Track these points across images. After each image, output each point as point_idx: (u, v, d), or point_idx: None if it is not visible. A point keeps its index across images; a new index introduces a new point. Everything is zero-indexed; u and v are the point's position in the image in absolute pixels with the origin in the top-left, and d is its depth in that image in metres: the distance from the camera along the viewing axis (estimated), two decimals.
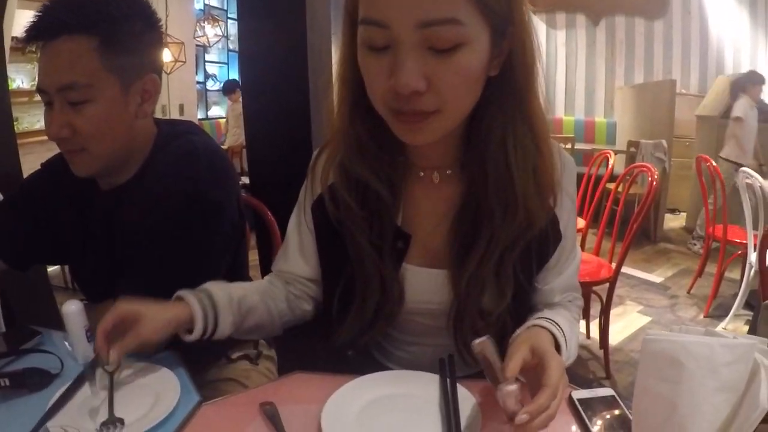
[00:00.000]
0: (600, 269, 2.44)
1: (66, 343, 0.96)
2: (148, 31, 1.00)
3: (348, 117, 0.81)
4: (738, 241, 3.06)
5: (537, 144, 0.79)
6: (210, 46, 7.29)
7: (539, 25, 6.16)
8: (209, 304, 0.84)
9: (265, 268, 1.61)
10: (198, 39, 6.83)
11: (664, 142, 4.37)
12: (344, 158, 0.84)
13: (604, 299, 2.43)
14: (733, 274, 3.41)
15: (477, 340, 0.70)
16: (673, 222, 5.35)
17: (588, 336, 2.83)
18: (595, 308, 2.63)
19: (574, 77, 6.40)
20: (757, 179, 2.72)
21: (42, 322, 1.05)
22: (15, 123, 2.94)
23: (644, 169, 2.47)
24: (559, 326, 0.81)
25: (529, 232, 0.80)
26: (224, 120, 7.27)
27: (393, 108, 0.70)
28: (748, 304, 2.96)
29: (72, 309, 0.91)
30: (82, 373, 0.86)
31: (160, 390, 0.82)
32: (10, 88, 2.38)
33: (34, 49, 0.94)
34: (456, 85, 0.69)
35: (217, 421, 0.79)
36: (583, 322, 2.81)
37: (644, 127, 5.04)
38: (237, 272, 1.19)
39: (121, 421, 0.74)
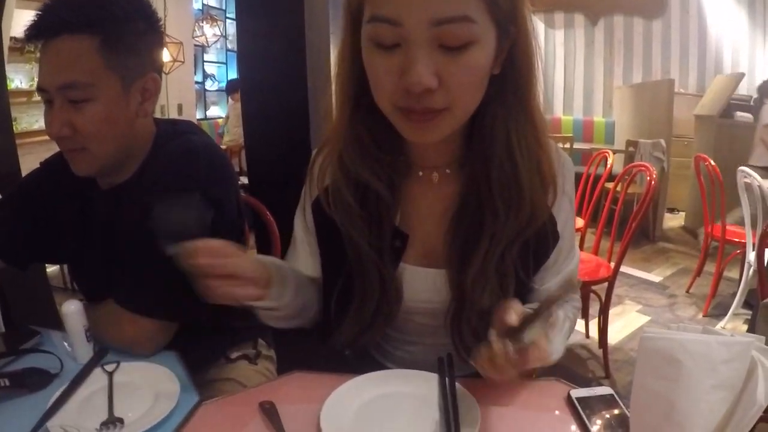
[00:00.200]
0: (599, 268, 2.44)
1: (65, 343, 0.96)
2: (149, 30, 1.00)
3: (348, 116, 0.81)
4: (737, 240, 3.06)
5: (538, 138, 0.79)
6: (208, 46, 7.29)
7: (537, 25, 6.15)
8: (275, 269, 0.84)
9: None
10: (197, 39, 6.83)
11: (662, 141, 4.37)
12: (344, 158, 0.83)
13: (603, 298, 2.43)
14: (732, 273, 3.42)
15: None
16: (672, 221, 5.35)
17: (587, 335, 2.84)
18: (594, 307, 2.63)
19: (573, 77, 6.40)
20: (756, 178, 2.72)
21: (41, 322, 1.05)
22: (14, 123, 2.94)
23: (643, 168, 2.48)
24: None
25: (529, 228, 0.80)
26: (222, 119, 7.27)
27: (402, 106, 0.70)
28: (747, 303, 2.96)
29: (71, 309, 0.91)
30: (82, 372, 0.86)
31: (159, 389, 0.83)
32: (8, 88, 2.39)
33: (32, 49, 0.94)
34: (466, 82, 0.69)
35: (216, 421, 0.79)
36: (582, 322, 2.82)
37: (643, 127, 5.04)
38: None
39: (121, 421, 0.75)
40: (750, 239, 2.86)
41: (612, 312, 2.64)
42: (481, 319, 0.83)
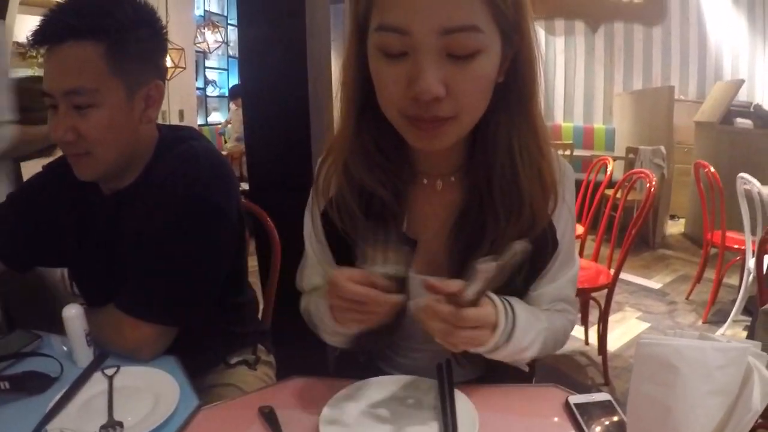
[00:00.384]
0: (598, 275, 2.44)
1: (65, 347, 0.96)
2: (154, 37, 1.01)
3: (354, 125, 0.81)
4: (736, 247, 3.06)
5: (540, 146, 0.80)
6: (210, 53, 7.31)
7: (538, 32, 6.16)
8: None
9: (265, 274, 1.61)
10: (198, 45, 6.85)
11: (662, 148, 4.38)
12: (349, 166, 0.83)
13: (603, 305, 2.43)
14: (731, 280, 3.41)
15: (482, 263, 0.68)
16: (672, 228, 5.35)
17: (586, 342, 2.83)
18: (594, 314, 2.63)
19: (573, 84, 6.42)
20: (755, 185, 2.72)
21: (41, 326, 1.06)
22: None
23: (643, 175, 2.48)
24: (512, 310, 0.79)
25: (530, 235, 0.80)
26: (222, 123, 7.28)
27: (410, 115, 0.71)
28: (746, 310, 2.96)
29: (72, 313, 0.92)
30: (82, 376, 0.87)
31: (159, 393, 0.83)
32: None
33: (35, 54, 0.95)
34: (472, 91, 0.70)
35: (215, 425, 0.79)
36: (581, 328, 2.81)
37: (643, 134, 5.05)
38: (236, 277, 1.19)
39: (121, 425, 0.75)
40: (750, 246, 2.86)
41: (611, 319, 2.64)
42: None
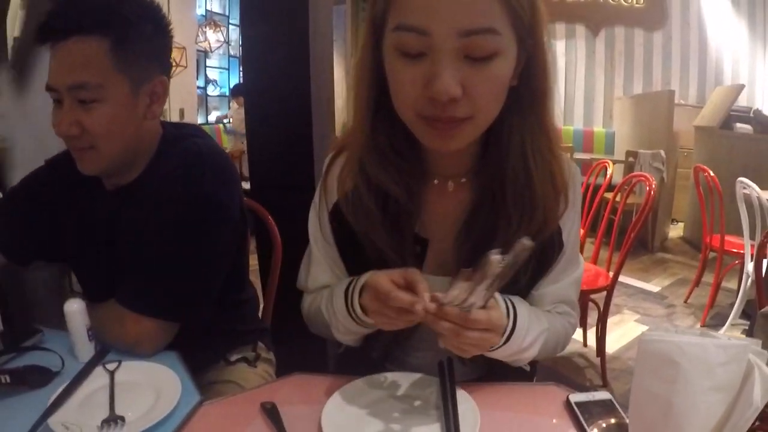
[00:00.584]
0: (597, 278, 2.45)
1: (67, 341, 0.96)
2: (159, 33, 1.02)
3: (369, 125, 0.81)
4: (735, 250, 3.07)
5: (552, 148, 0.81)
6: (211, 52, 7.32)
7: None
8: None
9: (265, 272, 1.61)
10: (199, 44, 6.86)
11: (662, 152, 4.39)
12: (365, 164, 0.83)
13: (602, 307, 2.43)
14: (730, 283, 3.42)
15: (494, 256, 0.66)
16: (671, 232, 5.36)
17: (585, 344, 2.84)
18: (592, 317, 2.63)
19: (574, 87, 6.43)
20: (755, 189, 2.73)
21: (42, 321, 1.06)
22: None
23: (642, 178, 2.49)
24: (514, 309, 0.80)
25: (540, 237, 0.81)
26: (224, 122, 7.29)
27: (426, 115, 0.71)
28: (745, 314, 2.97)
29: (74, 308, 0.92)
30: (83, 370, 0.87)
31: (161, 388, 0.83)
32: None
33: None
34: (489, 93, 0.70)
35: (217, 421, 0.79)
36: (580, 331, 2.81)
37: (643, 137, 5.06)
38: (237, 275, 1.19)
39: (122, 419, 0.75)
40: (748, 250, 2.87)
41: (610, 321, 2.64)
42: None
